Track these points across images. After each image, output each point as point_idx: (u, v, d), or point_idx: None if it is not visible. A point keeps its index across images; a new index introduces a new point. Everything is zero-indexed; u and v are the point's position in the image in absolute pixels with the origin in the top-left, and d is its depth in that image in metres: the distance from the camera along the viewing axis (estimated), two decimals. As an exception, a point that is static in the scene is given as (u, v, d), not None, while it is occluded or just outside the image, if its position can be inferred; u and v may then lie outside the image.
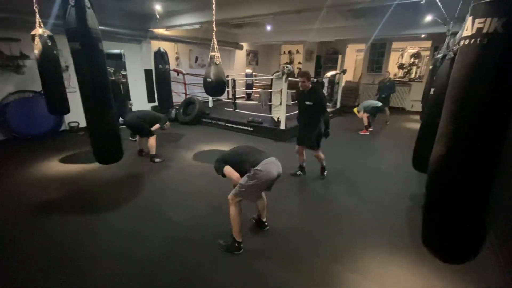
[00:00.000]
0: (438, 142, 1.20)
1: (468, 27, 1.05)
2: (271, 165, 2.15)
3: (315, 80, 8.02)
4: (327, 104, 8.76)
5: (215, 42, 3.79)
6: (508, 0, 0.92)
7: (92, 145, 2.66)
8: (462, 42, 1.08)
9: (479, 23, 0.99)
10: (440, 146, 1.18)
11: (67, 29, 2.23)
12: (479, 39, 0.99)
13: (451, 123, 1.13)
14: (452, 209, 1.19)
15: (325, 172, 3.77)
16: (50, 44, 3.51)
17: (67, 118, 5.68)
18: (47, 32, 3.50)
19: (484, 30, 0.97)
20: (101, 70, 2.47)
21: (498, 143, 1.05)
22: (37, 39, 3.40)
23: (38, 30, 3.40)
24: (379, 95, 7.12)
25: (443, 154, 1.16)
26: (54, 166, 4.05)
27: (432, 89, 3.19)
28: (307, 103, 3.30)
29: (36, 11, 3.27)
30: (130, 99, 6.10)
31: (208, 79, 3.97)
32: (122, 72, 7.15)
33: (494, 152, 1.07)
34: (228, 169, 2.19)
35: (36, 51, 3.49)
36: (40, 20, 3.39)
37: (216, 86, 4.02)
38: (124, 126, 4.24)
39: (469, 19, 1.05)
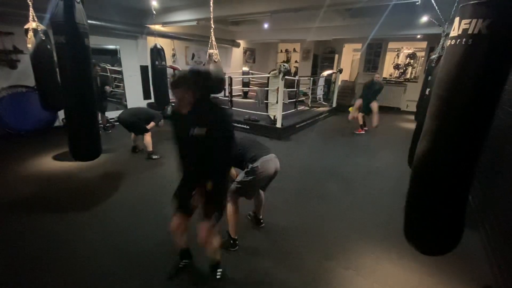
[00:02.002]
0: (422, 138, 1.22)
1: (455, 28, 1.07)
2: (269, 162, 2.13)
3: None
4: (324, 103, 8.88)
5: (214, 39, 3.77)
6: (493, 2, 0.94)
7: (69, 141, 2.62)
8: (448, 42, 1.10)
9: (465, 24, 1.01)
10: (424, 142, 1.21)
11: (53, 22, 2.20)
12: (464, 39, 1.01)
13: (436, 120, 1.15)
14: (432, 203, 1.21)
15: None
16: (43, 38, 3.47)
17: (61, 114, 5.63)
18: (40, 26, 3.45)
19: (469, 31, 0.99)
20: (85, 67, 2.42)
21: (479, 140, 1.08)
22: (30, 33, 3.36)
23: (32, 24, 3.36)
24: (366, 98, 6.85)
25: (427, 149, 1.19)
26: (48, 162, 4.02)
27: (427, 90, 3.23)
28: (195, 132, 1.54)
29: (30, 4, 3.23)
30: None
31: (208, 77, 3.96)
32: (116, 68, 7.11)
33: (474, 149, 1.09)
34: None
35: (29, 45, 3.44)
36: (33, 14, 3.35)
37: (215, 84, 4.02)
38: (118, 123, 4.22)
39: (456, 19, 1.07)
